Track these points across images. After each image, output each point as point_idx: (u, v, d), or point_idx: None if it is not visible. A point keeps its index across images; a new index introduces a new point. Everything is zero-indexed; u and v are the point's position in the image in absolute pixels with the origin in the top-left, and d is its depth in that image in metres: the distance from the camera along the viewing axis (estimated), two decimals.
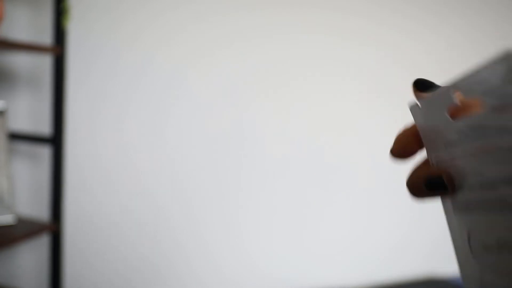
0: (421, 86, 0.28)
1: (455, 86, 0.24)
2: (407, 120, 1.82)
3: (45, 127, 1.33)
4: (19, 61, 1.31)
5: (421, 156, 1.86)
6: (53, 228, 1.16)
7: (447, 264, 1.96)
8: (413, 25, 1.80)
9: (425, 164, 0.29)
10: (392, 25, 1.76)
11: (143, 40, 1.41)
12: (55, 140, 1.15)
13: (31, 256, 1.36)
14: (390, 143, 1.80)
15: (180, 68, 1.46)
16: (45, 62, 1.32)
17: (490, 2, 1.94)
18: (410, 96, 1.82)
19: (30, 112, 1.33)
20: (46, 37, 1.31)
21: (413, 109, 0.28)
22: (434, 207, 1.91)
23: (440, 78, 1.87)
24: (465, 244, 0.27)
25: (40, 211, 1.35)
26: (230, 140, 1.54)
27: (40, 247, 1.36)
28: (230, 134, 1.54)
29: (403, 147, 0.29)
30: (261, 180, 1.61)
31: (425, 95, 0.28)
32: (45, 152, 1.34)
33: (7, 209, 1.13)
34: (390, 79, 1.78)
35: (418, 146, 0.29)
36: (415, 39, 1.80)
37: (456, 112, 0.25)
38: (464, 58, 1.91)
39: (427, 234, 1.91)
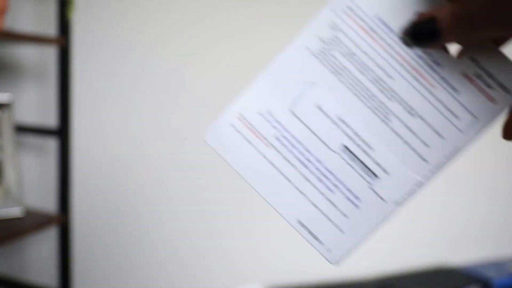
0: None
1: None
2: None
3: (51, 119, 1.33)
4: (24, 53, 1.30)
5: None
6: (61, 220, 1.16)
7: (456, 253, 1.95)
8: None
9: None
10: None
11: (148, 30, 1.40)
12: (62, 132, 1.15)
13: (40, 248, 1.37)
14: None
15: (186, 59, 1.45)
16: (50, 54, 1.31)
17: None
18: None
19: (36, 104, 1.32)
20: (50, 29, 1.30)
21: None
22: (442, 194, 1.90)
23: None
24: None
25: (48, 203, 1.35)
26: None
27: (48, 239, 1.37)
28: None
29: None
30: None
31: None
32: (51, 144, 1.34)
33: (15, 201, 1.13)
34: None
35: None
36: None
37: None
38: None
39: (436, 223, 1.90)
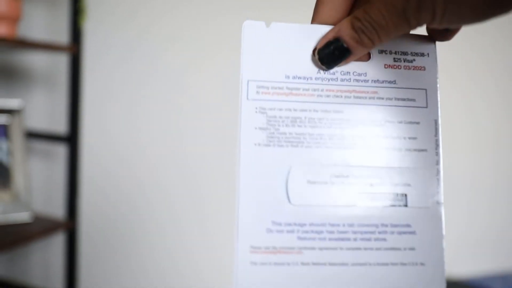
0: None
1: None
2: None
3: (61, 126, 1.34)
4: (36, 60, 1.32)
5: None
6: (69, 225, 1.16)
7: (464, 265, 1.93)
8: None
9: None
10: None
11: (160, 40, 1.41)
12: (71, 138, 1.16)
13: (47, 254, 1.37)
14: None
15: (195, 67, 1.46)
16: (62, 61, 1.33)
17: None
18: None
19: (46, 111, 1.34)
20: (62, 36, 1.32)
21: None
22: (447, 204, 1.89)
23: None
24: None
25: (56, 209, 1.36)
26: None
27: (55, 244, 1.38)
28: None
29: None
30: None
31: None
32: (61, 150, 1.35)
33: (24, 206, 1.14)
34: None
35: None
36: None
37: None
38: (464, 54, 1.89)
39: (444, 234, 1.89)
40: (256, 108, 0.30)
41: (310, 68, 0.31)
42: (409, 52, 0.31)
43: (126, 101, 1.40)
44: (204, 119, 1.49)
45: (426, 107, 0.31)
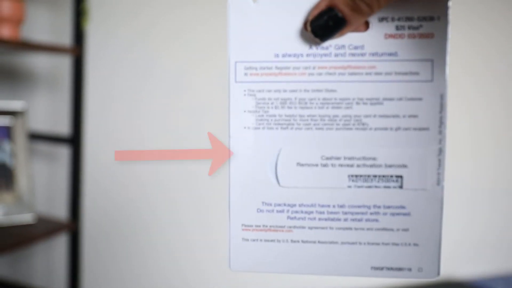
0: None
1: None
2: None
3: (64, 127, 1.35)
4: (39, 62, 1.32)
5: None
6: (72, 227, 1.17)
7: (466, 266, 1.93)
8: None
9: None
10: None
11: (161, 39, 1.42)
12: (74, 140, 1.17)
13: (50, 255, 1.38)
14: None
15: (196, 69, 1.46)
16: (64, 63, 1.33)
17: None
18: None
19: (49, 112, 1.34)
20: (65, 38, 1.32)
21: None
22: (453, 204, 1.89)
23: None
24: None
25: (59, 210, 1.37)
26: None
27: (58, 245, 1.38)
28: None
29: None
30: None
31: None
32: (64, 152, 1.35)
33: (27, 208, 1.14)
34: None
35: None
36: None
37: None
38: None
39: (445, 235, 1.89)
40: (245, 90, 0.29)
41: (301, 44, 0.28)
42: (416, 17, 0.27)
43: (129, 102, 1.41)
44: (207, 119, 1.49)
45: (431, 80, 0.28)
